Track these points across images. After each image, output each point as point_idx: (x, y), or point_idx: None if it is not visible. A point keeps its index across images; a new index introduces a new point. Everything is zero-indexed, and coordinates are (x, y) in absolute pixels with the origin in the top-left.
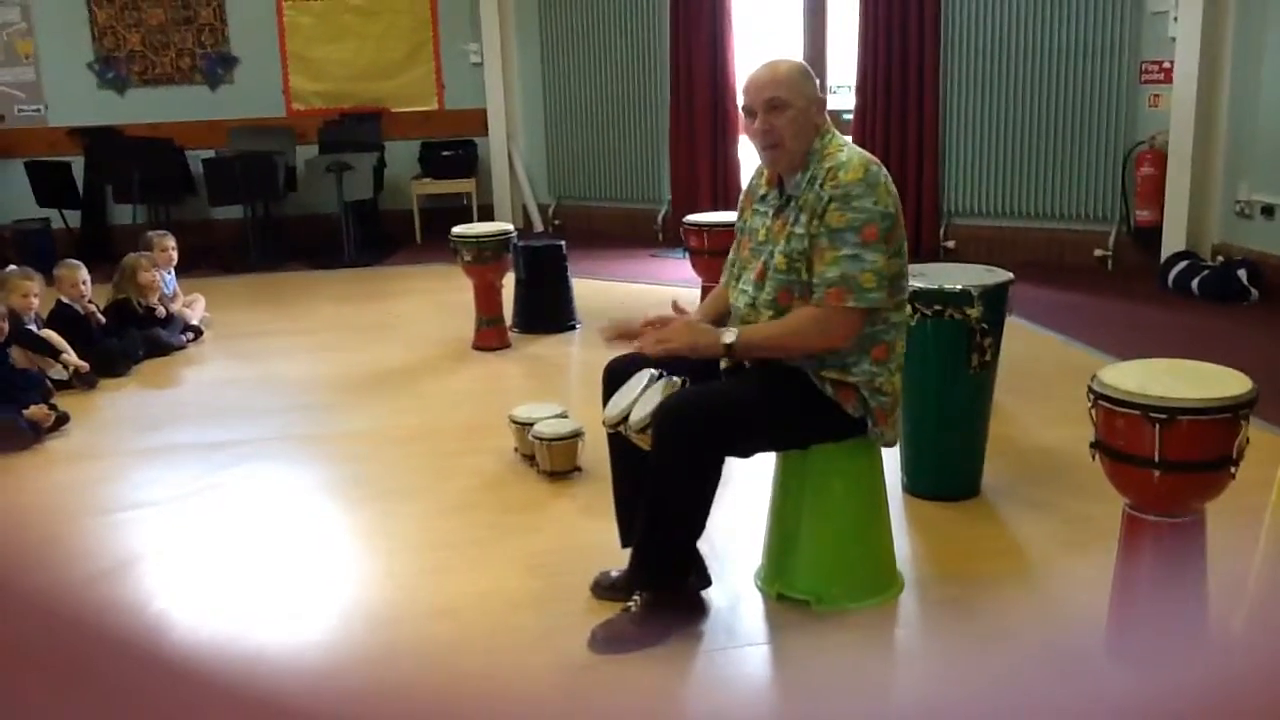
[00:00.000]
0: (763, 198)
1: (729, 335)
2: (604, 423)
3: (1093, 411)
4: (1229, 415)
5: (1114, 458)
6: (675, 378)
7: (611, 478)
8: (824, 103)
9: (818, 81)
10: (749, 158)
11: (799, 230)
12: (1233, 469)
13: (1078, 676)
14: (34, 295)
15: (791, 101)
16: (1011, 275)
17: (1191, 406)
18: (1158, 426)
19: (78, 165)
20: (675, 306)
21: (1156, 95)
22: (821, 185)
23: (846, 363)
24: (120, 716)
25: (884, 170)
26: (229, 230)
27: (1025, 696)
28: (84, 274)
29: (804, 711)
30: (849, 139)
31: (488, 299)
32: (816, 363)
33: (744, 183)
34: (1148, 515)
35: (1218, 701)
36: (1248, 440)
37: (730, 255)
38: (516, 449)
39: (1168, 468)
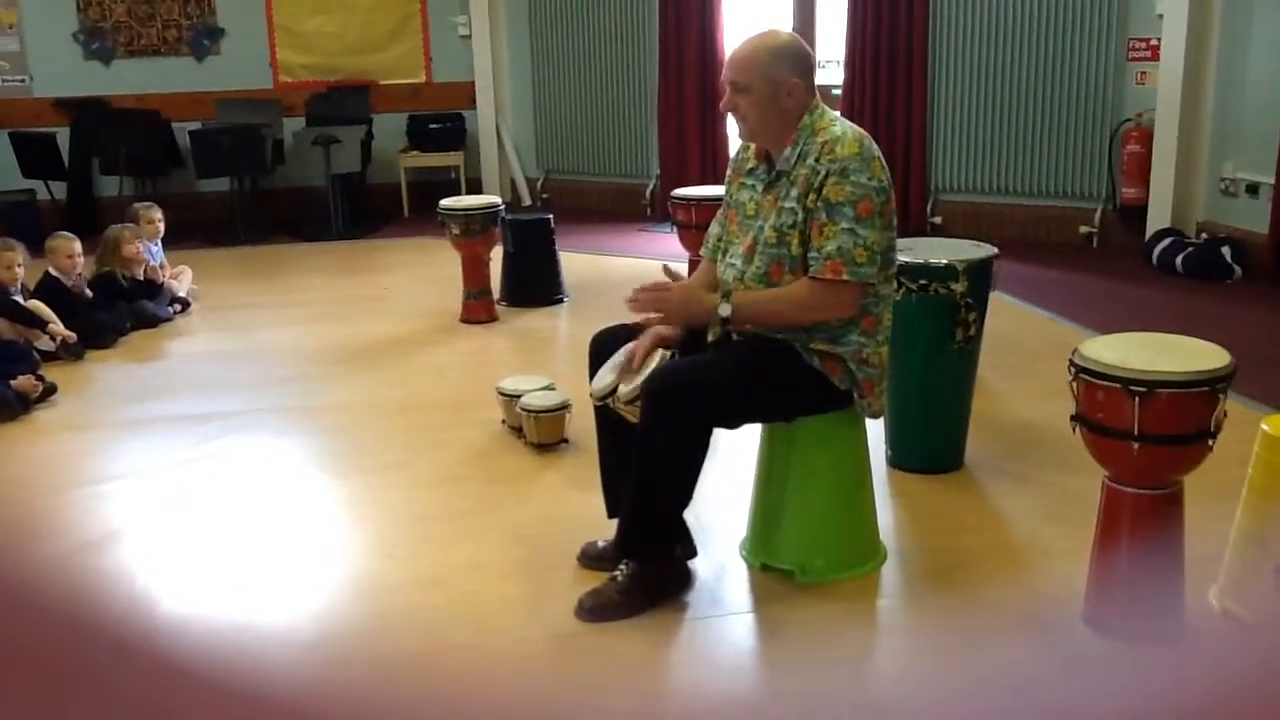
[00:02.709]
0: (750, 171)
1: (724, 307)
2: (591, 395)
3: (1073, 385)
4: (1207, 389)
5: (1094, 430)
6: (664, 350)
7: (598, 449)
8: (799, 85)
9: (806, 60)
10: (737, 133)
11: (789, 204)
12: (1210, 442)
13: (1056, 647)
14: (18, 266)
15: (751, 85)
16: (996, 250)
17: (1170, 380)
18: (1137, 399)
19: (63, 136)
20: (666, 270)
21: (1143, 73)
22: (817, 159)
23: (835, 334)
24: (103, 689)
25: (875, 145)
26: (216, 203)
27: (1004, 667)
28: (78, 247)
29: (787, 680)
30: (838, 114)
31: (475, 272)
32: (805, 334)
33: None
34: (1126, 488)
35: (1193, 671)
36: (1225, 414)
37: (713, 228)
38: (504, 421)
39: (1146, 440)
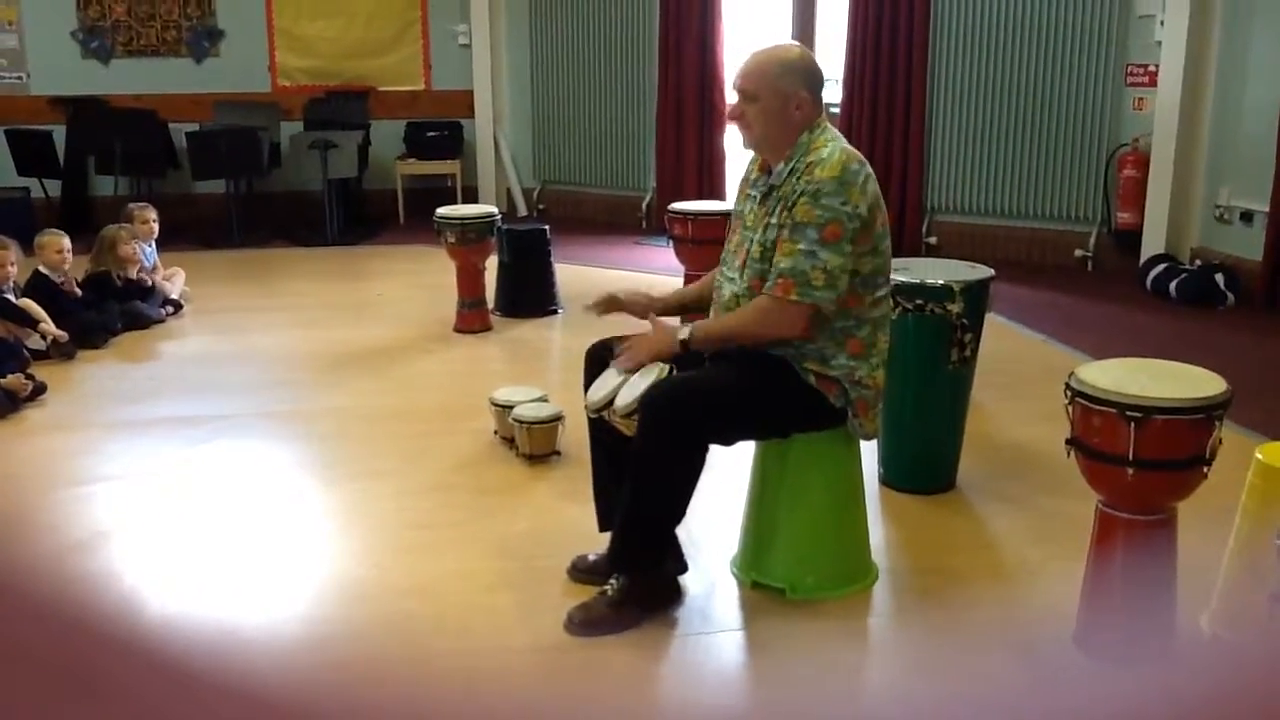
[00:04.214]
0: (754, 182)
1: (683, 332)
2: (587, 407)
3: (1069, 408)
4: (1203, 415)
5: (1089, 455)
6: (661, 364)
7: (591, 462)
8: (807, 99)
9: (817, 76)
10: (735, 148)
11: (774, 221)
12: (1205, 469)
13: (1046, 670)
14: (10, 264)
15: (759, 95)
16: (992, 272)
17: (1166, 406)
18: (1133, 425)
19: (59, 135)
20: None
21: (1141, 98)
22: (799, 179)
23: (824, 355)
24: (93, 687)
25: (866, 169)
26: (211, 205)
27: (994, 688)
28: (67, 242)
29: (777, 697)
30: (838, 134)
31: (470, 281)
32: (797, 353)
33: (729, 172)
34: (1120, 512)
35: (1183, 698)
36: (1220, 441)
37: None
38: (496, 431)
39: (1141, 466)
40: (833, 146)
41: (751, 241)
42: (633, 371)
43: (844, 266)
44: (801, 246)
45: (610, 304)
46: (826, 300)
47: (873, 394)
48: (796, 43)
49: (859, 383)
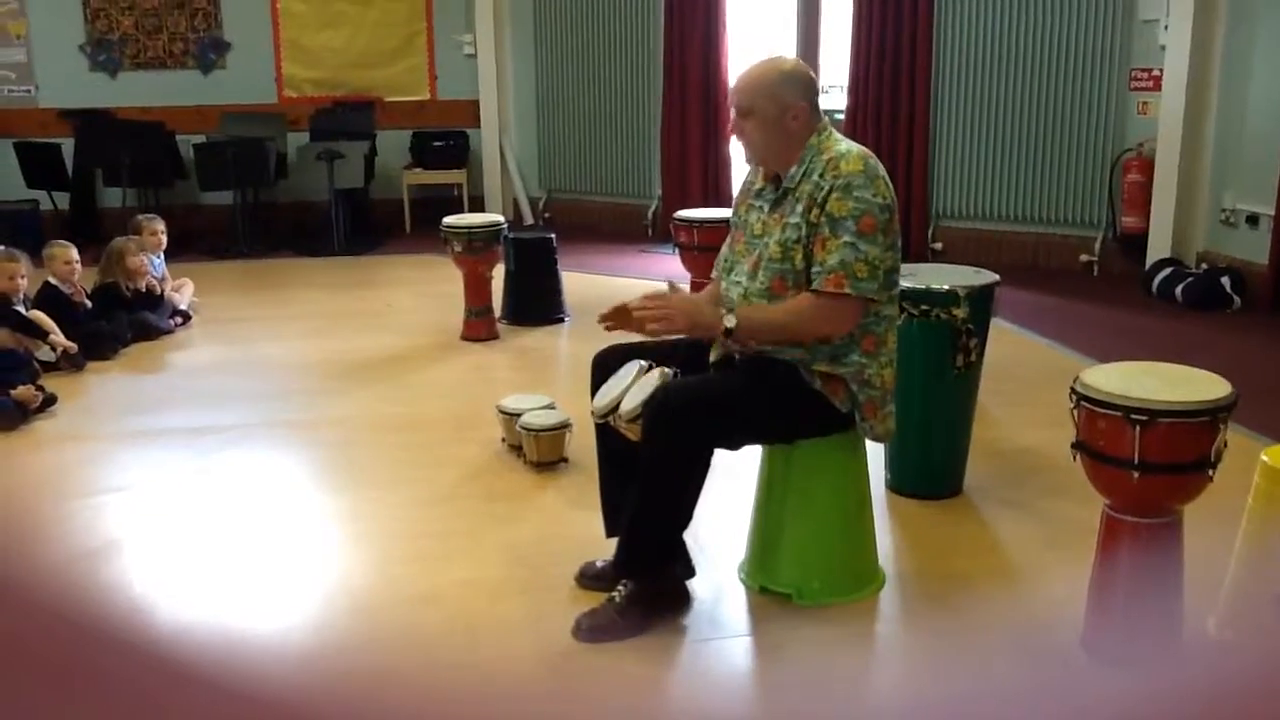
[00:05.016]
0: (759, 192)
1: (729, 319)
2: (593, 413)
3: (1075, 412)
4: (1208, 418)
5: (1094, 458)
6: (666, 369)
7: (598, 468)
8: (804, 108)
9: (811, 84)
10: (740, 156)
11: (794, 220)
12: (1210, 472)
13: (1054, 674)
14: (20, 277)
15: (756, 109)
16: (998, 277)
17: (1171, 409)
18: (1138, 428)
19: (67, 147)
20: (671, 286)
21: (1145, 103)
22: (821, 175)
23: (837, 353)
24: (102, 690)
25: (880, 164)
26: (218, 216)
27: (1002, 693)
28: (76, 254)
29: (784, 703)
30: (844, 136)
31: (477, 290)
32: (808, 355)
33: (734, 179)
34: (1126, 516)
35: (1190, 701)
36: (1226, 444)
37: (723, 250)
38: (504, 439)
39: (1147, 469)
40: (846, 143)
41: (766, 244)
42: (650, 350)
43: (882, 258)
44: (845, 239)
45: (621, 314)
46: (873, 292)
47: (881, 394)
48: (788, 55)
49: (867, 382)
